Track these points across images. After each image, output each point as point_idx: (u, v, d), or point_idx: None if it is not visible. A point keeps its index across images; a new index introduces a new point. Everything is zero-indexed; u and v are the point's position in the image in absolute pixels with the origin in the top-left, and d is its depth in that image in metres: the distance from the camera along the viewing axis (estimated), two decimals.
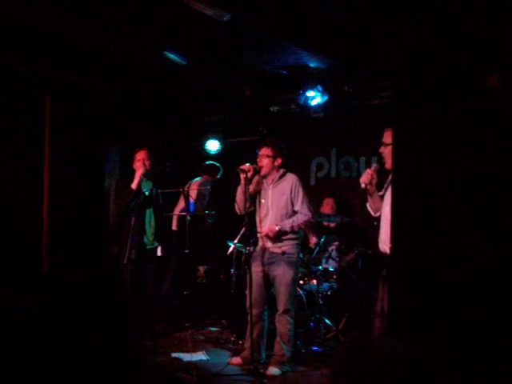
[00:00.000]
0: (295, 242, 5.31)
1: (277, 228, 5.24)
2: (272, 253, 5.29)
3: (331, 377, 1.49)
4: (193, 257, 6.43)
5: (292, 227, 5.23)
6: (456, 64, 2.85)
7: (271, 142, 5.43)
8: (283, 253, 5.25)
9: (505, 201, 2.64)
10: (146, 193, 6.02)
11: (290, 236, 5.28)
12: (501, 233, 2.60)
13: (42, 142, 6.04)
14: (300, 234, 5.39)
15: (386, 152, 4.32)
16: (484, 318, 2.53)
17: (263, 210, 5.39)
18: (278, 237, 5.28)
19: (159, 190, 6.24)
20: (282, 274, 5.21)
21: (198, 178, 7.39)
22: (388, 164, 4.33)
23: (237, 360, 5.41)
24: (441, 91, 2.94)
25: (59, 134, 6.30)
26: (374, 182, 4.45)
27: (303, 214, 5.26)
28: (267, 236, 5.30)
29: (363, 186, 4.43)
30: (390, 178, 4.49)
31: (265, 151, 5.38)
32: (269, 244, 5.32)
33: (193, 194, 7.09)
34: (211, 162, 7.59)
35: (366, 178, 4.42)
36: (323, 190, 7.55)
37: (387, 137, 4.34)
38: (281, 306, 5.24)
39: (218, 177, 7.54)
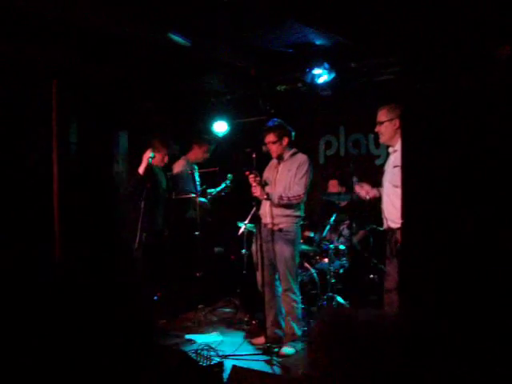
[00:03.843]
0: (294, 219, 5.29)
1: (265, 196, 5.26)
2: (271, 230, 5.31)
3: (311, 344, 1.52)
4: (204, 239, 6.47)
5: (280, 197, 5.20)
6: (465, 36, 2.81)
7: (272, 126, 5.40)
8: (280, 230, 5.25)
9: None
10: (164, 184, 6.11)
11: (288, 213, 5.26)
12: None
13: (50, 127, 6.04)
14: (301, 214, 5.36)
15: (382, 129, 4.67)
16: (499, 293, 2.51)
17: (271, 187, 5.38)
18: (275, 214, 5.28)
19: (168, 173, 6.26)
20: (280, 251, 5.23)
21: (181, 158, 7.00)
22: (383, 139, 4.72)
23: (260, 340, 5.39)
24: (450, 64, 2.90)
25: (67, 120, 6.29)
26: (368, 189, 4.91)
27: (295, 189, 5.22)
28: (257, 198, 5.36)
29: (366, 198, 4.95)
30: (389, 157, 4.77)
31: (269, 138, 5.38)
32: (268, 220, 5.32)
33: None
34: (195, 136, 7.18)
35: (362, 193, 4.95)
36: (332, 168, 7.52)
37: (381, 115, 4.69)
38: (282, 285, 5.28)
39: (209, 151, 7.00)
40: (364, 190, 4.92)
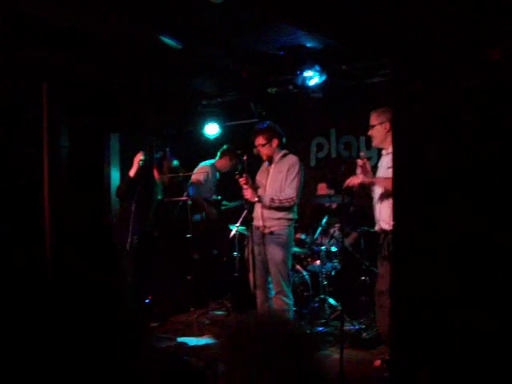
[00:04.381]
0: (286, 222, 5.28)
1: (256, 198, 5.27)
2: (262, 233, 5.30)
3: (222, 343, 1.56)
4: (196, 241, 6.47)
5: (272, 200, 5.20)
6: (455, 38, 2.82)
7: (261, 129, 5.41)
8: (271, 233, 5.25)
9: (505, 175, 2.62)
10: (158, 188, 6.15)
11: (279, 216, 5.26)
12: (506, 210, 2.58)
13: (41, 130, 6.01)
14: (294, 217, 5.36)
15: (374, 132, 4.64)
16: (493, 293, 2.52)
17: (263, 190, 5.38)
18: (267, 217, 5.27)
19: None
20: (272, 254, 5.23)
21: (206, 162, 7.23)
22: (375, 142, 4.71)
23: None
24: (440, 66, 2.91)
25: (57, 122, 6.27)
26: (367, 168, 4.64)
27: (287, 192, 5.23)
28: (247, 201, 5.37)
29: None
30: (381, 158, 4.76)
31: (258, 141, 5.40)
32: (259, 223, 5.32)
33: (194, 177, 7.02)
34: (228, 146, 7.37)
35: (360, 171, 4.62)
36: (324, 170, 7.53)
37: (373, 119, 4.65)
38: (274, 288, 5.26)
39: (235, 166, 7.02)
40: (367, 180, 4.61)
